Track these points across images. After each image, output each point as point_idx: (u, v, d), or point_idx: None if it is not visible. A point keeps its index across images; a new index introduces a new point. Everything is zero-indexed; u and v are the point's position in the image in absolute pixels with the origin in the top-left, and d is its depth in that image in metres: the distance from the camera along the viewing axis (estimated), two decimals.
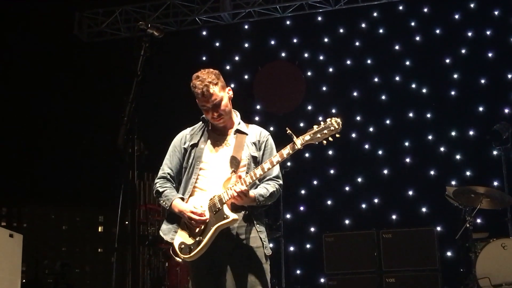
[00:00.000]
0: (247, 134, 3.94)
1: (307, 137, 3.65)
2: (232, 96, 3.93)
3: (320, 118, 3.68)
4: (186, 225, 3.78)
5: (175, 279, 7.64)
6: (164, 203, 3.86)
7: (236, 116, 4.00)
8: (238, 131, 3.94)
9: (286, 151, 3.66)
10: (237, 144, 3.88)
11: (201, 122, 4.05)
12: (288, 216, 9.78)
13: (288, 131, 3.65)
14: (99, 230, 62.92)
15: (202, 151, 3.90)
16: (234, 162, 3.79)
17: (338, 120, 3.65)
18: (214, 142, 3.93)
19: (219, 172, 3.81)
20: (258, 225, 3.83)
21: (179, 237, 3.79)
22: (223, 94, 3.85)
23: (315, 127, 3.67)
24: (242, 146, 3.87)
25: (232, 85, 7.31)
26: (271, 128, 8.99)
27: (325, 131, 3.63)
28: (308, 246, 9.90)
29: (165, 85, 10.49)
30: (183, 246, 3.74)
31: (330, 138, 3.65)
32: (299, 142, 3.63)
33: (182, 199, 3.83)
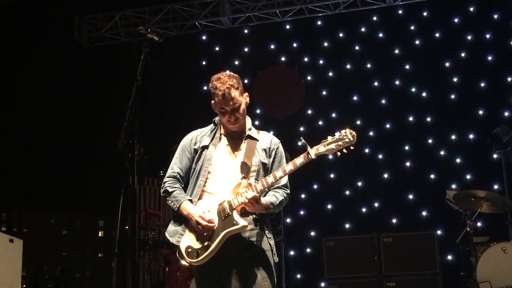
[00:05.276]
0: (258, 140, 3.94)
1: (321, 148, 3.64)
2: (248, 102, 3.93)
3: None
4: (193, 228, 3.75)
5: (176, 284, 7.61)
6: (173, 203, 3.83)
7: (248, 122, 3.99)
8: (249, 137, 3.93)
9: (300, 160, 3.66)
10: (248, 149, 3.87)
11: (212, 124, 4.03)
12: (288, 220, 9.77)
13: (302, 140, 3.65)
14: (99, 235, 62.81)
15: (212, 154, 3.87)
16: (245, 168, 3.78)
17: (353, 132, 3.65)
18: (225, 146, 3.92)
19: (229, 176, 3.80)
20: (267, 231, 3.82)
21: (185, 240, 3.76)
22: (241, 99, 3.86)
23: (329, 138, 3.67)
24: (252, 152, 3.86)
25: None
26: (271, 132, 8.97)
27: (340, 143, 3.63)
28: (308, 250, 9.88)
29: (165, 90, 10.50)
30: (190, 250, 3.71)
31: (344, 150, 3.65)
32: (313, 152, 3.63)
33: (191, 201, 3.81)
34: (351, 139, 3.63)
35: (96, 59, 11.70)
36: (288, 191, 3.92)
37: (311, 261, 9.63)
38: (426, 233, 8.19)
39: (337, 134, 3.66)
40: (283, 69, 10.78)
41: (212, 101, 3.88)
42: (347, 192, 10.05)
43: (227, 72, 3.93)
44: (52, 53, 13.22)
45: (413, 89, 10.17)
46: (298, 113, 10.42)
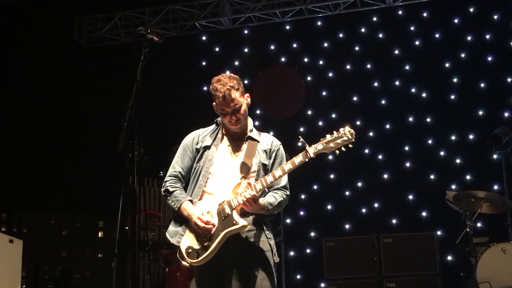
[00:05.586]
0: (258, 142, 3.94)
1: (319, 146, 3.64)
2: (249, 103, 3.94)
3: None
4: (193, 229, 3.76)
5: (176, 284, 7.62)
6: (173, 203, 3.83)
7: (249, 123, 4.00)
8: (250, 138, 3.94)
9: (298, 159, 3.65)
10: (248, 150, 3.87)
11: (214, 125, 4.04)
12: (288, 221, 9.77)
13: (301, 139, 3.65)
14: (99, 235, 62.84)
15: (213, 155, 3.88)
16: (245, 168, 3.78)
17: (352, 130, 3.64)
18: (226, 147, 3.92)
19: (229, 177, 3.80)
20: (267, 231, 3.82)
21: (186, 241, 3.76)
22: (242, 100, 3.86)
23: (328, 136, 3.66)
24: (253, 153, 3.86)
25: None
26: (271, 133, 8.97)
27: (338, 141, 3.62)
28: (308, 251, 9.88)
29: (165, 90, 10.50)
30: (190, 250, 3.71)
31: (343, 148, 3.64)
32: (311, 151, 3.62)
33: (191, 201, 3.80)
34: (350, 137, 3.63)
35: (96, 59, 11.70)
36: (288, 192, 3.92)
37: (311, 262, 9.63)
38: (426, 234, 8.20)
39: (335, 132, 3.66)
40: (283, 69, 10.78)
41: (214, 103, 3.88)
42: (347, 193, 10.05)
43: (228, 73, 3.93)
44: (52, 53, 13.23)
45: (413, 90, 10.17)
46: (298, 114, 10.42)
